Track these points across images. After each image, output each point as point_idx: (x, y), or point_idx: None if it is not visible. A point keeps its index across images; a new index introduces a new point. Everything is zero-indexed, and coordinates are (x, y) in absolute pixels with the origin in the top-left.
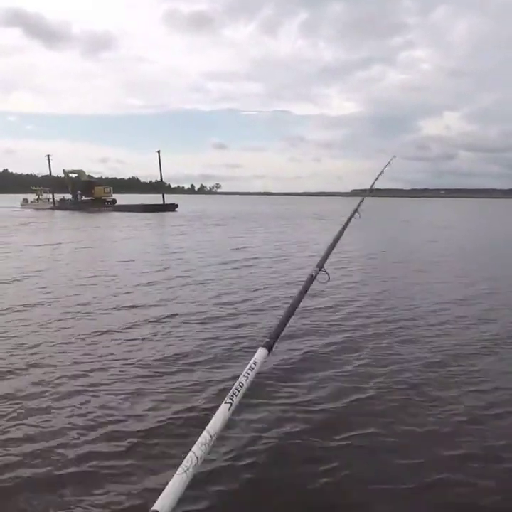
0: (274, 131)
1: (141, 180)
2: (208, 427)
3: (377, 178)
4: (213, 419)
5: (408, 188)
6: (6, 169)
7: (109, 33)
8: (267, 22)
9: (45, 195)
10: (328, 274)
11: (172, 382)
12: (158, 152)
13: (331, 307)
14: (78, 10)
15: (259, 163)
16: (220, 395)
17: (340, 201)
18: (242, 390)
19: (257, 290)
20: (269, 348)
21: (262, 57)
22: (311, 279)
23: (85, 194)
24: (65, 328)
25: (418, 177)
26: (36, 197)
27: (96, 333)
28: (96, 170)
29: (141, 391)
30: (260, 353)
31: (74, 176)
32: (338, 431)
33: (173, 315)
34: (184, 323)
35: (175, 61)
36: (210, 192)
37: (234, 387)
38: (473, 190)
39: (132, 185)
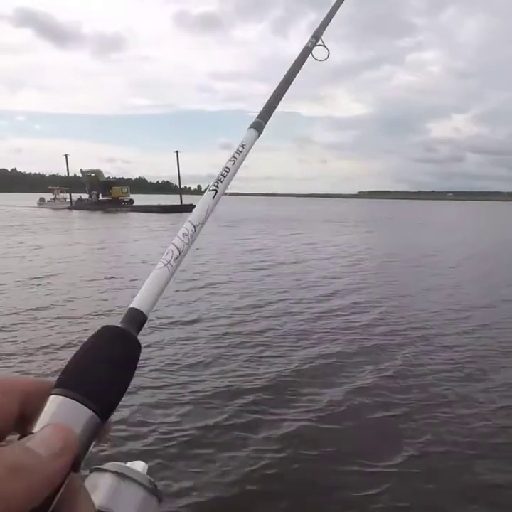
0: (282, 133)
1: (148, 181)
2: (190, 218)
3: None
4: (196, 208)
5: (415, 190)
6: (15, 168)
7: (118, 34)
8: (276, 22)
9: (61, 195)
10: (328, 49)
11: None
12: (177, 152)
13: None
14: (89, 10)
15: (267, 165)
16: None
17: (349, 202)
18: (229, 176)
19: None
20: (260, 129)
21: (271, 58)
22: (307, 51)
23: (103, 194)
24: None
25: (425, 179)
26: (53, 196)
27: None
28: (103, 169)
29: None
30: (250, 134)
31: (83, 175)
32: (365, 452)
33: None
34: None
35: (183, 62)
36: None
37: (219, 173)
38: (481, 192)
39: (140, 185)
